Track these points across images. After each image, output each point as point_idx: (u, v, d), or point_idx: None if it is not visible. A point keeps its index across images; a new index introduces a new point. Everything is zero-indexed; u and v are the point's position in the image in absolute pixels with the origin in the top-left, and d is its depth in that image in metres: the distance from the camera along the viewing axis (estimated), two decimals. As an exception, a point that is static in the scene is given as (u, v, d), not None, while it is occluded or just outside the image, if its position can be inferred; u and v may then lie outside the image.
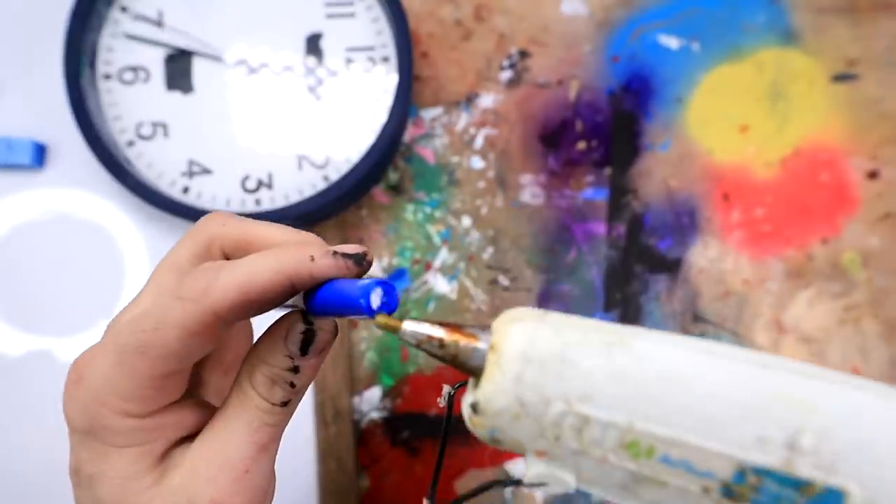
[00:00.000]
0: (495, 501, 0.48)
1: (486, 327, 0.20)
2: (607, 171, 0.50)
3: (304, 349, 0.24)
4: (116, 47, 0.49)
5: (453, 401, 0.22)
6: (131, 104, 0.49)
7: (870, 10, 0.50)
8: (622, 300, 0.49)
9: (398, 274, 0.50)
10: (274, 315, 0.25)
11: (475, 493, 0.21)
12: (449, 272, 0.50)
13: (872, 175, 0.49)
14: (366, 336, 0.50)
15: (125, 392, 0.23)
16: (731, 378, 0.19)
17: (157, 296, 0.25)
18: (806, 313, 0.48)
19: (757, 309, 0.49)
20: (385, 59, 0.49)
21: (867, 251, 0.48)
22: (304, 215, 0.47)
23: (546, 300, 0.50)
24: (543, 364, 0.19)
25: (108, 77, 0.49)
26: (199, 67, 0.49)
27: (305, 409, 0.49)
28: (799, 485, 0.18)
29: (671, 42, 0.51)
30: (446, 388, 0.23)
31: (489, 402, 0.19)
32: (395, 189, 0.51)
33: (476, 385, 0.20)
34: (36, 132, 0.50)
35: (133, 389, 0.23)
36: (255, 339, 0.26)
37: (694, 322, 0.49)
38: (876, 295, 0.48)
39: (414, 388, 0.49)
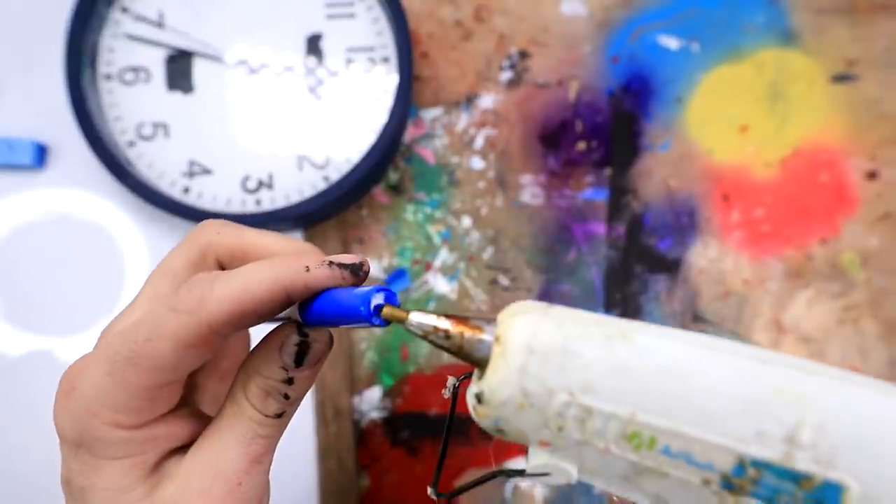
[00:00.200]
0: (495, 499, 0.48)
1: (491, 320, 0.21)
2: (607, 171, 0.50)
3: (299, 361, 0.24)
4: (117, 48, 0.49)
5: (458, 393, 0.23)
6: (132, 104, 0.49)
7: (869, 10, 0.50)
8: (622, 300, 0.49)
9: (398, 274, 0.50)
10: (270, 324, 0.25)
11: (479, 482, 0.21)
12: (449, 272, 0.50)
13: (872, 175, 0.49)
14: (366, 336, 0.50)
15: (117, 403, 0.23)
16: (732, 372, 0.19)
17: (150, 305, 0.25)
18: (805, 313, 0.48)
19: (756, 309, 0.49)
20: (385, 60, 0.49)
21: (866, 251, 0.48)
22: (305, 215, 0.47)
23: (546, 300, 0.49)
24: (547, 355, 0.19)
25: (108, 77, 0.49)
26: (199, 68, 0.49)
27: (305, 408, 0.49)
28: (798, 478, 0.18)
29: (671, 42, 0.51)
30: (451, 380, 0.23)
31: (494, 392, 0.20)
32: (396, 189, 0.51)
33: (481, 376, 0.20)
34: (36, 132, 0.51)
35: (125, 400, 0.23)
36: (252, 345, 0.26)
37: (694, 322, 0.49)
38: (875, 295, 0.48)
39: (414, 388, 0.49)
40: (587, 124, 0.51)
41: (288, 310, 0.24)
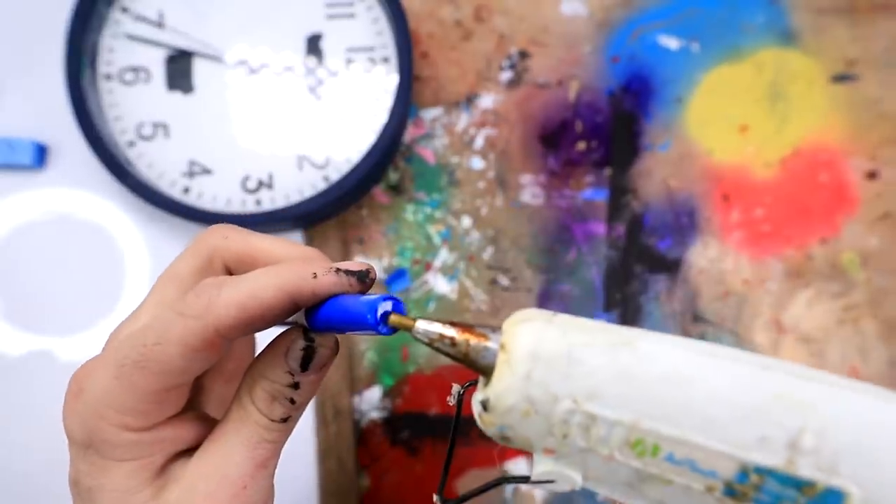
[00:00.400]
0: (495, 501, 0.48)
1: (496, 328, 0.21)
2: (607, 171, 0.50)
3: (305, 365, 0.24)
4: (117, 48, 0.49)
5: (462, 399, 0.23)
6: (132, 104, 0.49)
7: (869, 10, 0.50)
8: (622, 300, 0.50)
9: (398, 274, 0.50)
10: (276, 329, 0.25)
11: (484, 489, 0.21)
12: (449, 272, 0.50)
13: (872, 175, 0.49)
14: (366, 336, 0.50)
15: (124, 406, 0.23)
16: (734, 379, 0.19)
17: (158, 310, 0.25)
18: (805, 313, 0.48)
19: (756, 309, 0.49)
20: (385, 60, 0.49)
21: (866, 251, 0.49)
22: (305, 215, 0.47)
23: (546, 300, 0.50)
24: (551, 363, 0.19)
25: (108, 77, 0.49)
26: (199, 68, 0.49)
27: (306, 408, 0.49)
28: (800, 485, 0.18)
29: (671, 42, 0.51)
30: (456, 387, 0.23)
31: (499, 399, 0.20)
32: (396, 189, 0.51)
33: (486, 383, 0.20)
34: (37, 132, 0.51)
35: (132, 403, 0.23)
36: (258, 347, 0.26)
37: (694, 322, 0.49)
38: (875, 295, 0.48)
39: (414, 388, 0.49)
40: (587, 124, 0.51)
41: (294, 315, 0.24)
